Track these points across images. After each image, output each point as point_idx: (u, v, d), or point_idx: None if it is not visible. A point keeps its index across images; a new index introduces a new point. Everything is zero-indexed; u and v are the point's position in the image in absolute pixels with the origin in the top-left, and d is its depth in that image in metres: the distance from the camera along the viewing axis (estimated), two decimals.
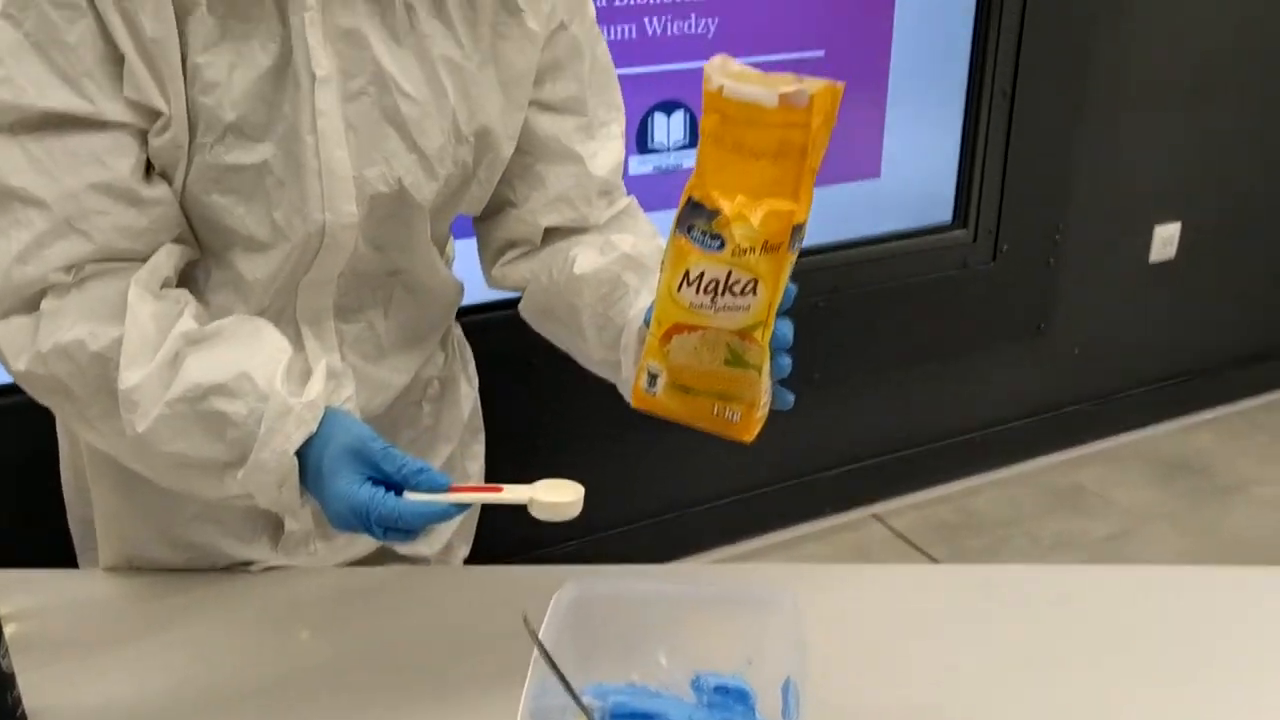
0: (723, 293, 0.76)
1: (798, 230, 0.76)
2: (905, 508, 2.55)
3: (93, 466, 1.05)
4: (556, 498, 0.81)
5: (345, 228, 0.90)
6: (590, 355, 0.98)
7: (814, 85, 0.72)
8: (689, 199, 0.75)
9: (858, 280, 2.32)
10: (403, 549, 1.15)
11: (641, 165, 2.04)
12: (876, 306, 2.37)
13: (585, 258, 0.96)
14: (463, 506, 0.82)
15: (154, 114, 0.83)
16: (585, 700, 0.83)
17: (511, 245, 1.05)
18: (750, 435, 0.81)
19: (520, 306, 1.06)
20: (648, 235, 1.03)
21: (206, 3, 0.82)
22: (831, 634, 0.91)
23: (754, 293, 0.76)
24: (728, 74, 0.74)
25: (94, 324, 0.82)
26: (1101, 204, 2.55)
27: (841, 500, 2.52)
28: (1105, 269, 2.63)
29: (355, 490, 0.80)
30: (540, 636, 0.78)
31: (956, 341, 2.52)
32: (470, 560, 1.24)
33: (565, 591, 0.83)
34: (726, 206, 0.74)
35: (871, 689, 0.91)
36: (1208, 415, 2.91)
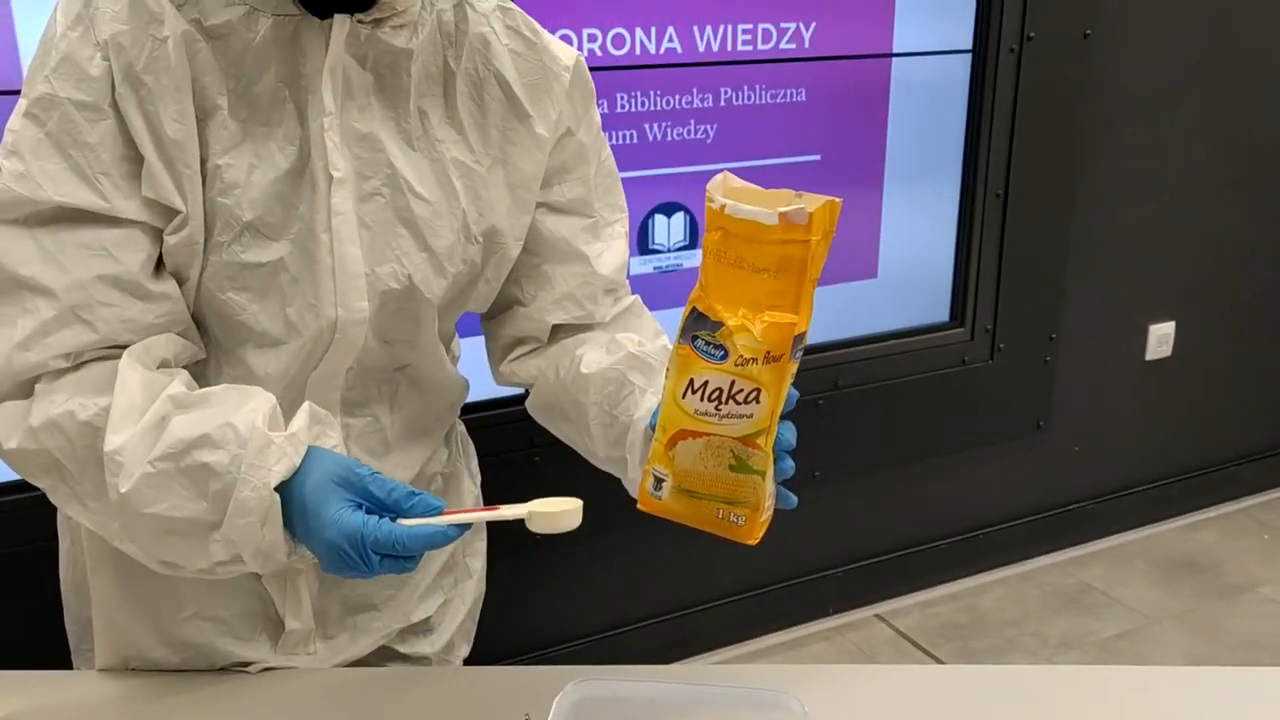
0: (726, 401, 0.77)
1: (799, 340, 0.78)
2: (909, 607, 2.52)
3: (93, 560, 1.04)
4: (554, 509, 0.80)
5: (356, 323, 0.92)
6: (596, 452, 0.99)
7: (813, 202, 0.75)
8: (692, 309, 0.78)
9: (857, 377, 2.33)
10: (404, 648, 1.14)
11: (643, 265, 2.07)
12: (876, 404, 2.38)
13: (591, 356, 0.98)
14: (461, 528, 0.81)
15: (171, 213, 0.85)
16: None
17: (520, 342, 1.07)
18: (755, 538, 0.82)
19: (528, 403, 1.07)
20: (651, 334, 1.05)
21: (229, 107, 0.85)
22: None
23: (757, 401, 0.77)
24: (729, 191, 0.77)
25: (84, 396, 0.83)
26: (1096, 302, 2.58)
27: (844, 600, 2.49)
28: (1102, 367, 2.65)
29: (348, 516, 0.78)
30: None
31: (957, 439, 2.53)
32: (470, 661, 1.22)
33: (568, 693, 0.82)
34: (729, 318, 0.76)
35: None
36: (1211, 514, 2.89)
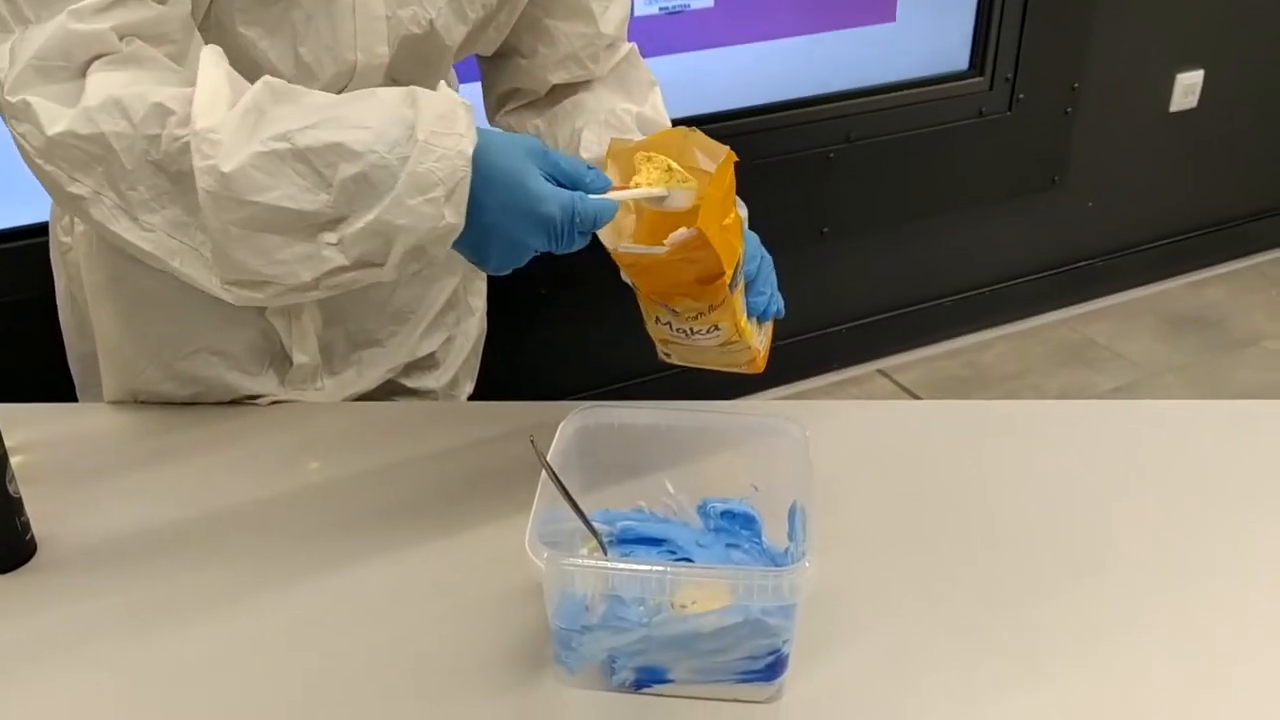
0: (691, 334, 0.86)
1: (735, 274, 0.82)
2: (912, 362, 2.55)
3: (93, 297, 1.03)
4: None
5: (374, 68, 0.90)
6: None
7: (705, 152, 0.82)
8: None
9: (870, 129, 2.25)
10: (409, 382, 1.15)
11: (647, 6, 1.96)
12: (889, 157, 2.31)
13: (591, 136, 0.98)
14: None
15: None
16: (594, 526, 0.83)
17: (516, 93, 1.06)
18: (761, 369, 0.93)
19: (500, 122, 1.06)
20: (646, 87, 1.03)
21: None
22: (839, 463, 0.91)
23: (718, 329, 0.85)
24: (618, 154, 0.82)
25: (155, 82, 0.72)
26: (1122, 50, 2.46)
27: (849, 355, 2.51)
28: (1124, 119, 2.56)
29: (554, 189, 0.72)
30: (548, 458, 0.78)
31: (969, 194, 2.47)
32: (475, 398, 1.23)
33: (571, 420, 0.82)
34: (667, 300, 0.83)
35: (878, 515, 0.91)
36: (1221, 270, 2.87)
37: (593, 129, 0.98)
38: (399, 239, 0.71)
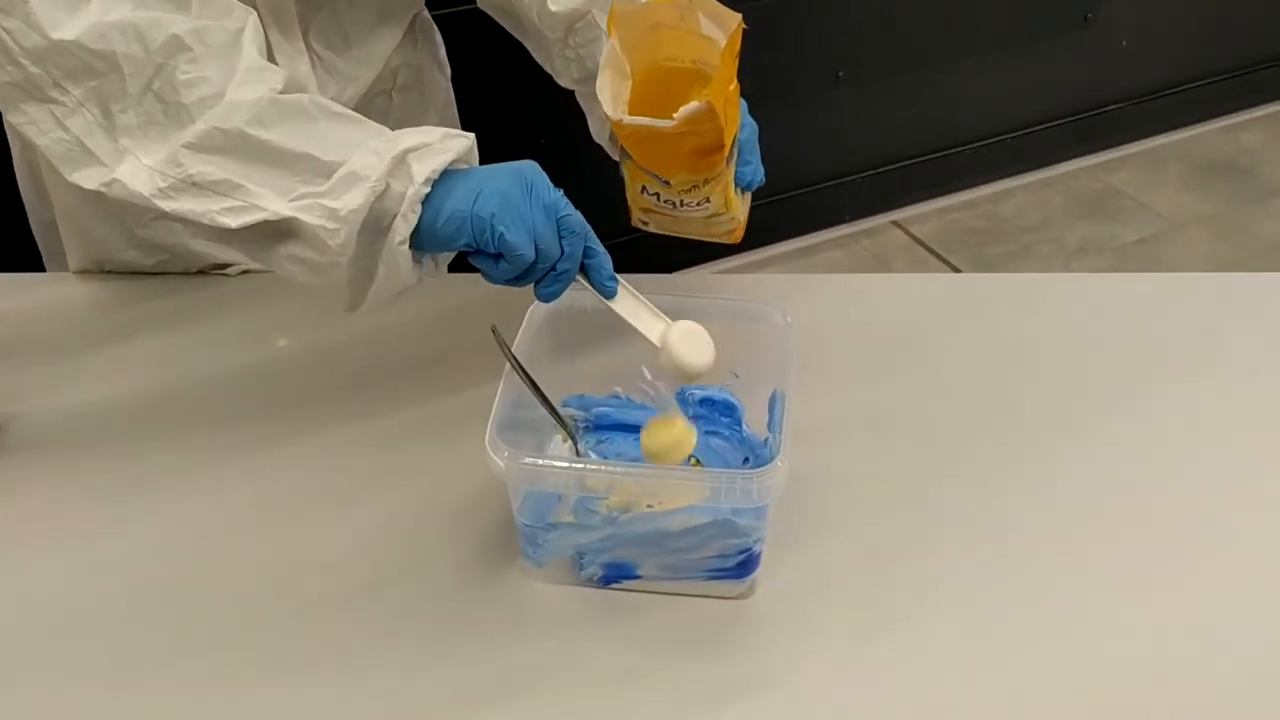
0: (680, 206, 0.81)
1: (733, 146, 0.79)
2: (927, 214, 2.46)
3: (48, 163, 0.98)
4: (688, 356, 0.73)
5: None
6: (556, 78, 0.94)
7: (714, 16, 0.74)
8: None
9: None
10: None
11: None
12: None
13: None
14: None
15: None
16: (565, 411, 0.79)
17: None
18: (739, 239, 0.89)
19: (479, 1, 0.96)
20: None
21: None
22: (821, 344, 0.87)
23: (709, 201, 0.81)
24: (622, 18, 0.76)
25: (179, 11, 0.70)
26: None
27: (862, 207, 2.42)
28: None
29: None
30: (514, 349, 0.74)
31: (997, 33, 2.33)
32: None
33: (539, 307, 0.77)
34: (662, 172, 0.79)
35: (861, 402, 0.87)
36: (1258, 113, 2.73)
37: None
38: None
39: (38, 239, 1.09)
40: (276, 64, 0.81)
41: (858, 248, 2.38)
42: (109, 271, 1.03)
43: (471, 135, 0.73)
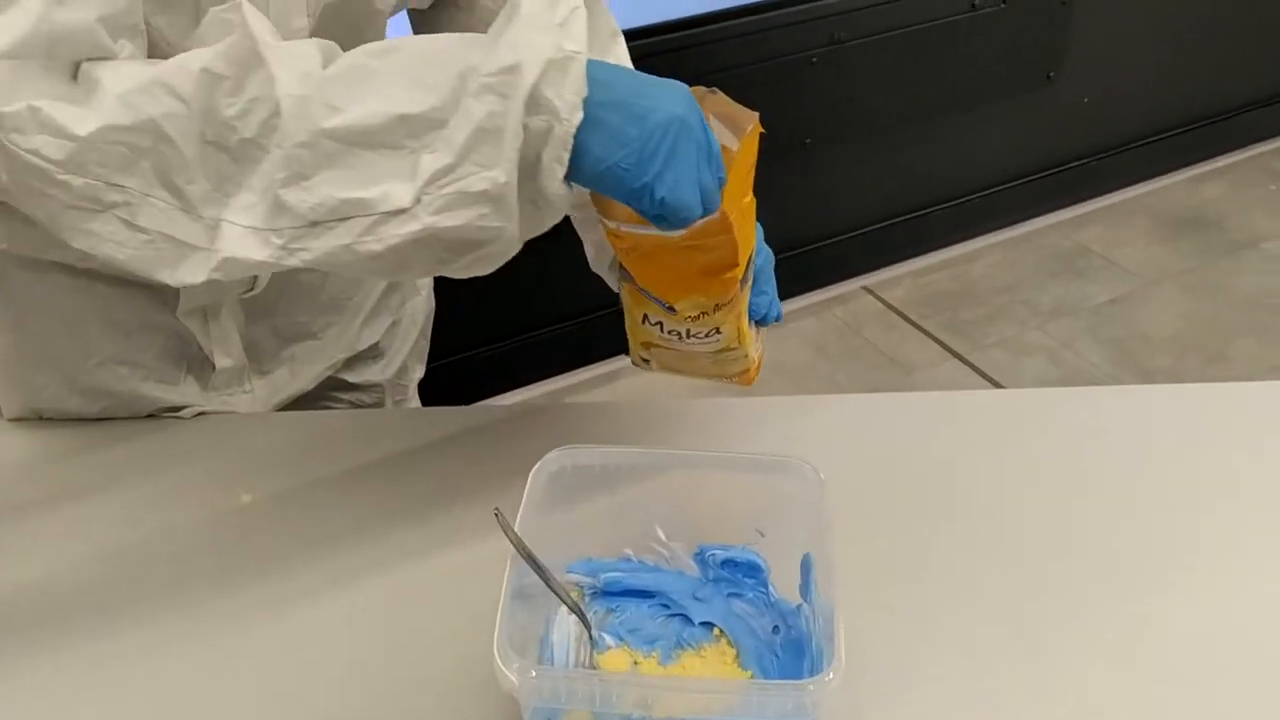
0: (687, 337, 0.73)
1: (748, 268, 0.71)
2: (899, 277, 2.42)
3: None
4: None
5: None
6: None
7: (729, 118, 0.65)
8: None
9: (856, 30, 2.07)
10: (352, 376, 1.01)
11: None
12: (875, 59, 2.14)
13: None
14: None
15: None
16: (573, 578, 0.71)
17: None
18: (751, 382, 0.79)
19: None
20: (607, 38, 0.83)
21: None
22: (845, 489, 0.79)
23: (719, 333, 0.73)
24: None
25: (189, 30, 0.61)
26: None
27: (831, 272, 2.38)
28: (1123, 8, 2.38)
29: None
30: (520, 511, 0.65)
31: (960, 95, 2.31)
32: (424, 380, 1.10)
33: (545, 464, 0.69)
34: (667, 294, 0.71)
35: (903, 552, 0.79)
36: (1220, 163, 2.74)
37: None
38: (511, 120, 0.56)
39: None
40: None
41: (830, 315, 2.32)
42: (49, 419, 0.93)
43: (582, 10, 0.59)
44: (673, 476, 0.71)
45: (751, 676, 0.69)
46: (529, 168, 0.57)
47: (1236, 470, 0.86)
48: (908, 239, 2.43)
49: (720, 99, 0.67)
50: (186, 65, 0.58)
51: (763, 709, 0.57)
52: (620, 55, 0.85)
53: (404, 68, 0.58)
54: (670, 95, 0.59)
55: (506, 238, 0.59)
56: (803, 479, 0.69)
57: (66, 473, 0.89)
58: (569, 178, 0.59)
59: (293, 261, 0.58)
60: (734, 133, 0.66)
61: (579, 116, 0.57)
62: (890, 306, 2.34)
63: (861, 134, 2.24)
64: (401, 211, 0.56)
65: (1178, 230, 2.53)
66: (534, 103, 0.56)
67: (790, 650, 0.70)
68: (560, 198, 0.59)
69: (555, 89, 0.56)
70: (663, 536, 0.73)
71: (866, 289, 2.39)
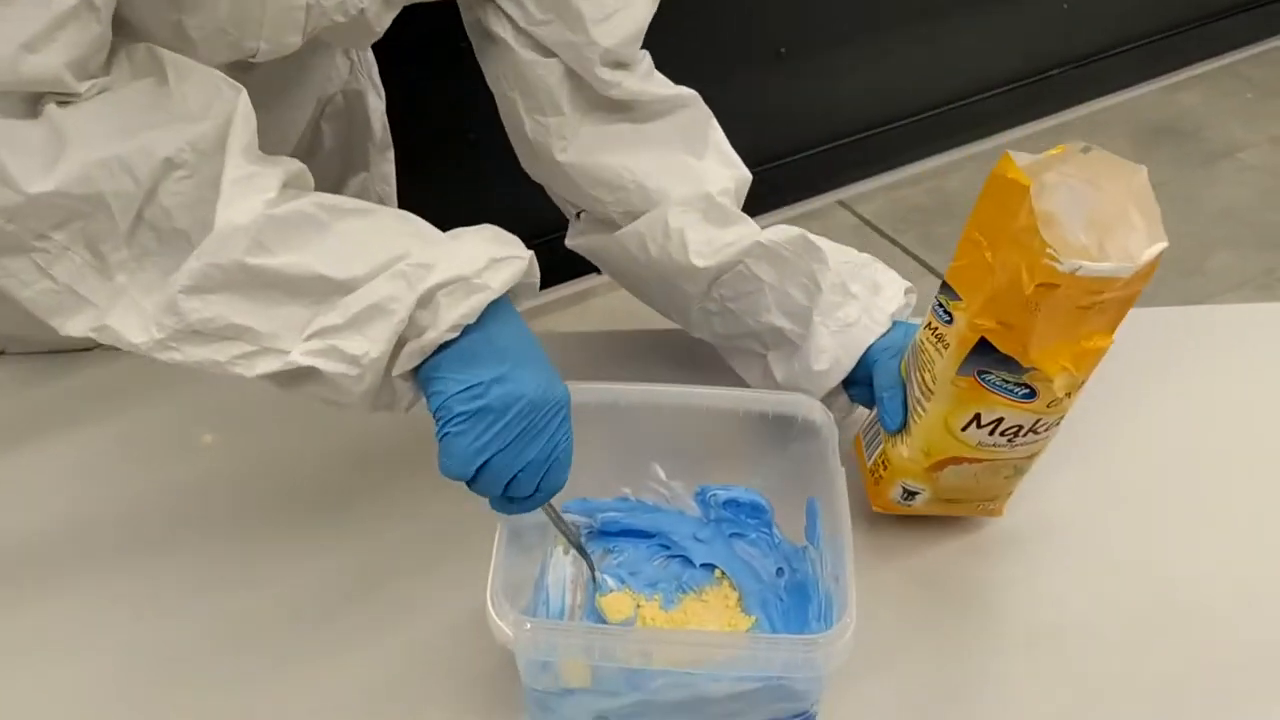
0: (1025, 434, 0.66)
1: None
2: (873, 191, 2.36)
3: None
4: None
5: (278, 58, 0.70)
6: (691, 332, 0.80)
7: (1144, 217, 0.64)
8: (980, 340, 0.63)
9: None
10: None
11: None
12: None
13: (698, 236, 0.76)
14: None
15: None
16: (568, 517, 0.67)
17: None
18: (1001, 512, 0.75)
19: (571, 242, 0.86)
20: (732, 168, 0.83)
21: None
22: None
23: (1058, 425, 0.67)
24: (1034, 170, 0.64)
25: (142, 119, 0.59)
26: None
27: (806, 187, 2.32)
28: None
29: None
30: None
31: (935, 2, 2.23)
32: None
33: None
34: (1048, 365, 0.62)
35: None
36: (1197, 70, 2.69)
37: (695, 228, 0.76)
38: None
39: None
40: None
41: (804, 229, 2.27)
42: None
43: (528, 255, 0.61)
44: (672, 413, 0.67)
45: (755, 622, 0.66)
46: (397, 349, 0.59)
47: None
48: (882, 152, 2.37)
49: (1102, 156, 0.64)
50: (152, 151, 0.58)
51: (770, 664, 0.54)
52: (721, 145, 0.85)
53: (349, 235, 0.59)
54: (539, 381, 0.59)
55: (358, 396, 0.59)
56: (810, 418, 0.65)
57: (19, 408, 0.83)
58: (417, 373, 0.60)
59: (161, 357, 0.59)
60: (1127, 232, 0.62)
61: (451, 335, 0.58)
62: (865, 220, 2.30)
63: (833, 43, 2.16)
64: (283, 353, 0.58)
65: (1153, 140, 2.49)
66: (427, 299, 0.58)
67: (795, 594, 0.67)
68: (403, 388, 0.61)
69: (451, 300, 0.58)
70: (662, 475, 0.70)
71: (841, 203, 2.34)
